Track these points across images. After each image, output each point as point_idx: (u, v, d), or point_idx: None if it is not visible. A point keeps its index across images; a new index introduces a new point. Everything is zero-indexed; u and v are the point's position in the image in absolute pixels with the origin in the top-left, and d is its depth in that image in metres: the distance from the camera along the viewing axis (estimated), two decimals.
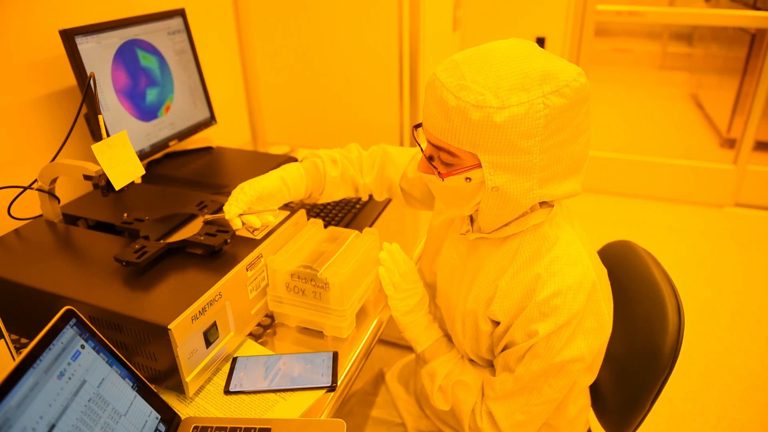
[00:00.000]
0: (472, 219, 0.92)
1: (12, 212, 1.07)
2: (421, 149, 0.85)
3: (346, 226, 1.29)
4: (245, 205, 0.96)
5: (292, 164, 1.07)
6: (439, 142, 0.78)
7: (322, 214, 1.32)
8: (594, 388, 1.12)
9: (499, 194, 0.78)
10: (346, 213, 1.33)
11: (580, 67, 0.76)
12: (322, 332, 1.01)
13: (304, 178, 1.06)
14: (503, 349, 0.89)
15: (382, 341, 2.14)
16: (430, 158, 0.82)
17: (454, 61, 0.76)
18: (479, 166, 0.76)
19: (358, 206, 1.37)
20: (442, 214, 1.02)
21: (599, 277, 0.86)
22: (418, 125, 0.85)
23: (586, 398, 1.08)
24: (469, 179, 0.78)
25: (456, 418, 1.03)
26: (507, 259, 0.87)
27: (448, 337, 1.04)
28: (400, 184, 1.12)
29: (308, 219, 1.11)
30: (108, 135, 0.99)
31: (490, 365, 0.97)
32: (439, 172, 0.80)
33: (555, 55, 0.77)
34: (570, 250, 0.83)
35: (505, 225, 0.85)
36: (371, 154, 1.14)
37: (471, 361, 1.00)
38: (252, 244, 0.97)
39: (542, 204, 0.85)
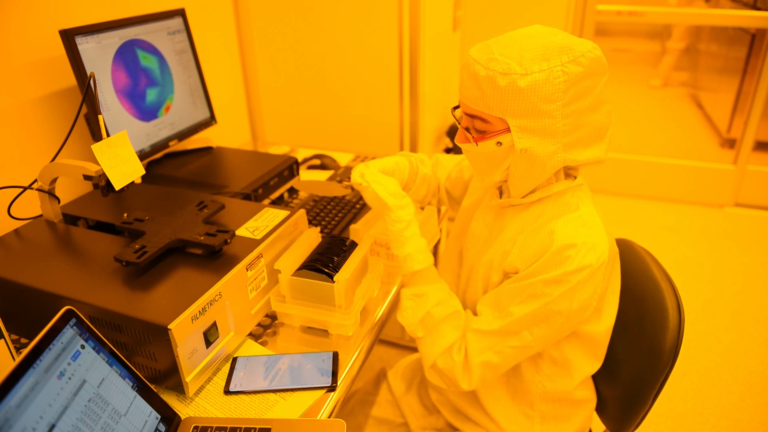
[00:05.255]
0: (501, 193, 1.01)
1: (12, 212, 1.07)
2: (458, 124, 0.95)
3: (345, 227, 1.29)
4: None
5: (397, 155, 1.16)
6: (472, 110, 0.88)
7: (321, 214, 1.32)
8: (595, 386, 1.12)
9: (528, 156, 0.85)
10: (346, 213, 1.33)
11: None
12: (322, 331, 1.01)
13: (407, 168, 1.15)
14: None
15: (382, 341, 2.14)
16: (466, 129, 0.92)
17: (485, 43, 0.87)
18: (508, 130, 0.85)
19: (358, 206, 1.37)
20: (474, 195, 1.10)
21: (611, 256, 0.90)
22: (456, 107, 0.96)
23: (591, 391, 1.09)
24: (500, 143, 0.87)
25: (473, 401, 1.06)
26: (530, 221, 0.93)
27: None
28: (445, 184, 1.24)
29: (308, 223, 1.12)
30: (108, 135, 0.99)
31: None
32: (473, 137, 0.90)
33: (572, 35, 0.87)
34: (589, 219, 0.89)
35: (531, 192, 0.93)
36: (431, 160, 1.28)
37: None
38: (252, 244, 0.97)
39: (567, 176, 0.93)
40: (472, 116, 0.89)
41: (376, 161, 1.08)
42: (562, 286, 0.85)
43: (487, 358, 0.91)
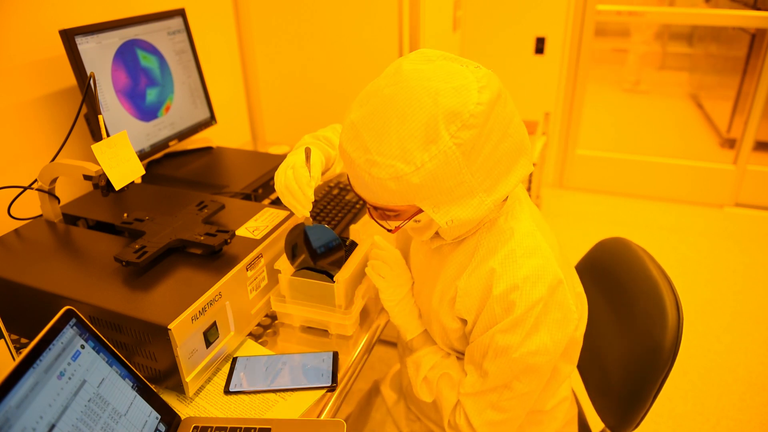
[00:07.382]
0: None
1: (12, 212, 1.07)
2: (364, 200, 0.82)
3: (347, 226, 1.29)
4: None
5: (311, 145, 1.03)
6: (373, 203, 0.79)
7: (322, 214, 1.32)
8: (596, 384, 1.12)
9: (455, 223, 0.76)
10: (347, 213, 1.33)
11: (490, 72, 0.73)
12: (322, 331, 1.01)
13: (324, 161, 1.03)
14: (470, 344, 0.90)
15: (382, 341, 2.14)
16: (375, 208, 0.81)
17: (353, 124, 0.74)
18: (422, 210, 0.76)
19: (358, 206, 1.37)
20: None
21: (563, 265, 0.85)
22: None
23: (566, 390, 1.08)
24: (419, 221, 0.81)
25: (439, 415, 1.03)
26: (466, 257, 0.87)
27: None
28: None
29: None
30: (108, 135, 0.99)
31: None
32: (388, 229, 0.83)
33: (451, 58, 0.74)
34: (527, 241, 0.82)
35: None
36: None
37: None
38: (252, 244, 0.97)
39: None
40: (375, 207, 0.80)
41: (303, 171, 0.91)
42: (521, 328, 0.80)
43: (487, 417, 0.88)
